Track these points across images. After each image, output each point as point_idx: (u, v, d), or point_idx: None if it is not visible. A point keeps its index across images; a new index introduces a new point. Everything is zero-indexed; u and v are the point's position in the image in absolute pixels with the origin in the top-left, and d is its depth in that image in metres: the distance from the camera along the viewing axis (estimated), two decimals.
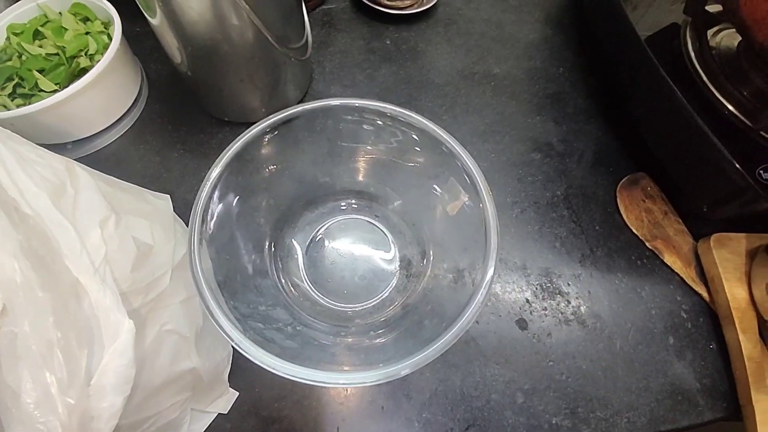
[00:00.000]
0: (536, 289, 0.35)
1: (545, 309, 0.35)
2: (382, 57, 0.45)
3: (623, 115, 0.43)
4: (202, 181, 0.26)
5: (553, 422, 0.31)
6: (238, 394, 0.29)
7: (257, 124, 0.28)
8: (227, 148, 0.28)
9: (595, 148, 0.41)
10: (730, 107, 0.34)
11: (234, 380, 0.30)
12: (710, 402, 0.32)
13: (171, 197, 0.31)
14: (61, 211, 0.20)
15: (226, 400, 0.29)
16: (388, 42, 0.46)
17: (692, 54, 0.36)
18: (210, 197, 0.27)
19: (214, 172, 0.27)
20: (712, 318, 0.35)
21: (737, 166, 0.32)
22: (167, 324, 0.24)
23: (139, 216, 0.25)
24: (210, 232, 0.27)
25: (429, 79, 0.45)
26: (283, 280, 0.33)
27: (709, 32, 0.37)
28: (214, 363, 0.27)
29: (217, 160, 0.28)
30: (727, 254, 0.35)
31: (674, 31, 0.38)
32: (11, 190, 0.19)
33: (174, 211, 0.30)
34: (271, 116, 0.29)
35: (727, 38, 0.37)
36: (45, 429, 0.13)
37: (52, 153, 0.25)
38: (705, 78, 0.35)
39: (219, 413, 0.29)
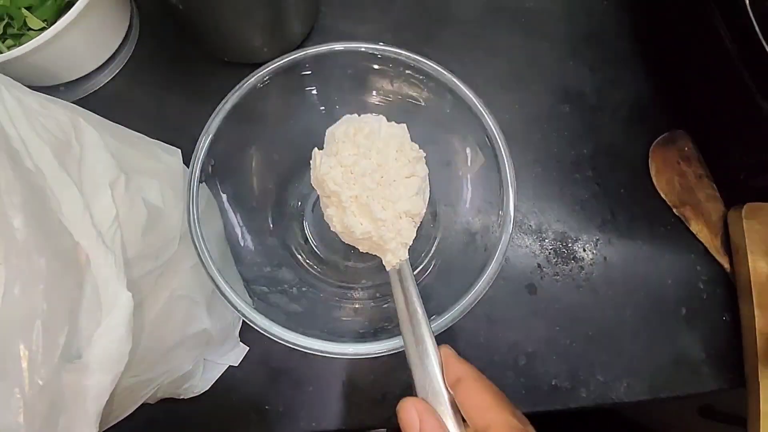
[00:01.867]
0: (550, 254, 0.34)
1: (557, 274, 0.34)
2: None
3: (667, 63, 0.38)
4: (201, 132, 0.25)
5: (553, 383, 0.31)
6: (248, 348, 0.30)
7: (253, 74, 0.25)
8: (224, 99, 0.26)
9: (632, 101, 0.37)
10: None
11: (244, 335, 0.31)
12: (714, 373, 0.32)
13: (173, 146, 0.29)
14: (66, 169, 0.18)
15: (237, 353, 0.30)
16: None
17: (747, 1, 0.31)
18: (208, 152, 0.25)
19: (212, 125, 0.25)
20: (729, 290, 0.34)
21: None
22: (178, 290, 0.24)
23: (149, 176, 0.24)
24: (211, 190, 0.26)
25: (450, 13, 0.39)
26: (288, 239, 0.32)
27: None
28: (225, 323, 0.28)
29: (214, 113, 0.26)
30: (757, 225, 0.33)
31: None
32: (15, 141, 0.17)
33: None
34: (269, 64, 0.26)
35: None
36: (5, 405, 0.13)
37: (56, 101, 0.23)
38: (758, 29, 0.30)
39: (231, 365, 0.30)
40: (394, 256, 0.23)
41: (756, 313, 0.31)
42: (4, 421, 0.14)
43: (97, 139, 0.19)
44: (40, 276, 0.16)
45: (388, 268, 0.24)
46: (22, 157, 0.16)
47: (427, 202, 0.26)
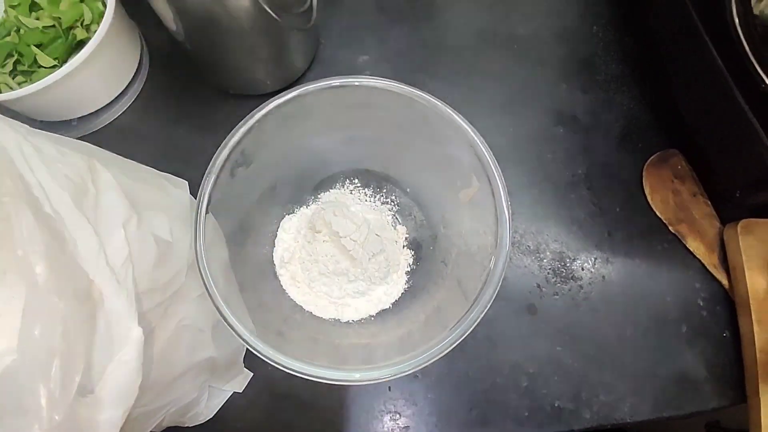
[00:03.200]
0: (549, 273, 0.35)
1: (556, 294, 0.34)
2: (394, 17, 0.42)
3: (659, 84, 0.39)
4: (207, 166, 0.26)
5: (556, 405, 0.32)
6: (252, 374, 0.31)
7: (254, 112, 0.26)
8: (228, 137, 0.27)
9: (625, 122, 0.38)
10: None
11: (248, 361, 0.31)
12: (717, 390, 0.32)
13: (180, 177, 0.30)
14: (83, 212, 0.19)
15: (241, 379, 0.31)
16: None
17: (736, 20, 0.32)
18: (214, 186, 0.26)
19: (218, 160, 0.26)
20: (729, 306, 0.34)
21: None
22: (185, 319, 0.25)
23: (159, 210, 0.25)
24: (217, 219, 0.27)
25: (445, 42, 0.41)
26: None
27: None
28: (230, 350, 0.28)
29: (219, 150, 0.27)
30: (753, 241, 0.33)
31: None
32: (35, 189, 0.18)
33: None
34: (271, 100, 0.27)
35: None
36: None
37: (72, 142, 0.24)
38: (748, 49, 0.31)
39: (235, 391, 0.31)
40: None
41: (755, 329, 0.32)
42: None
43: (112, 181, 0.20)
44: (59, 317, 0.17)
45: None
46: (42, 204, 0.17)
47: None
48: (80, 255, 0.18)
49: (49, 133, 0.24)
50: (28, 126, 0.21)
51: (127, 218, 0.20)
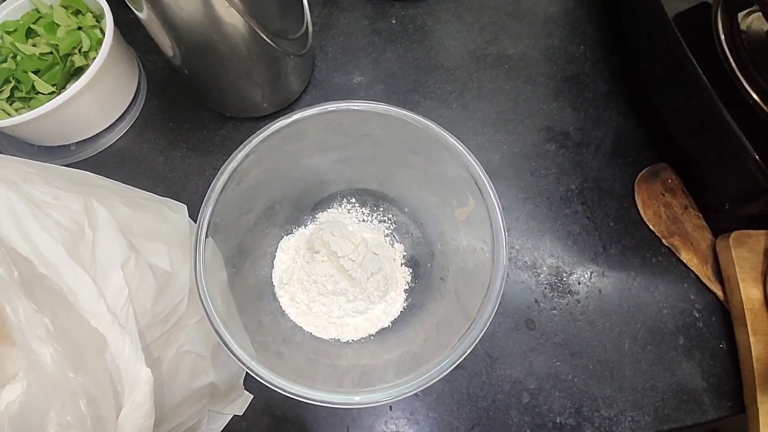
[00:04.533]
0: (545, 288, 0.35)
1: (554, 309, 0.34)
2: (387, 39, 0.43)
3: (646, 100, 0.40)
4: (205, 188, 0.26)
5: (558, 421, 0.32)
6: (252, 396, 0.31)
7: (252, 137, 0.27)
8: (227, 162, 0.27)
9: (615, 137, 0.39)
10: (756, 98, 0.31)
11: (248, 383, 0.31)
12: (715, 401, 0.32)
13: (178, 200, 0.30)
14: (79, 260, 0.19)
15: (241, 402, 0.30)
16: (393, 21, 0.43)
17: (722, 37, 0.33)
18: (213, 210, 0.26)
19: (217, 184, 0.27)
20: (724, 317, 0.34)
21: (761, 162, 0.30)
22: (184, 345, 0.25)
23: (158, 240, 0.25)
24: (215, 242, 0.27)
25: (437, 62, 0.42)
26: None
27: (740, 14, 0.33)
28: (230, 374, 0.28)
29: (218, 175, 0.27)
30: (746, 253, 0.34)
31: (705, 10, 0.35)
32: (28, 253, 0.18)
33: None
34: (267, 127, 0.27)
35: (757, 21, 0.33)
36: None
37: (72, 177, 0.24)
38: (734, 64, 0.32)
39: (235, 414, 0.30)
40: None
41: (751, 339, 0.32)
42: None
43: (109, 219, 0.20)
44: (80, 391, 0.17)
45: None
46: (36, 265, 0.17)
47: None
48: (80, 305, 0.18)
49: (47, 166, 0.24)
50: (24, 167, 0.21)
51: (125, 258, 0.20)
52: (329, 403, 0.22)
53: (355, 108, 0.28)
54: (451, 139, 0.28)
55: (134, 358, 0.18)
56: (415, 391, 0.23)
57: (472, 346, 0.24)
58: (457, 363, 0.24)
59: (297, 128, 0.28)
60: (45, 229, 0.17)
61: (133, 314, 0.19)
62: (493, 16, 0.44)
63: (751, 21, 0.33)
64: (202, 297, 0.22)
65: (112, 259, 0.20)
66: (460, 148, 0.27)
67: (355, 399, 0.22)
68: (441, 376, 0.23)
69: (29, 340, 0.15)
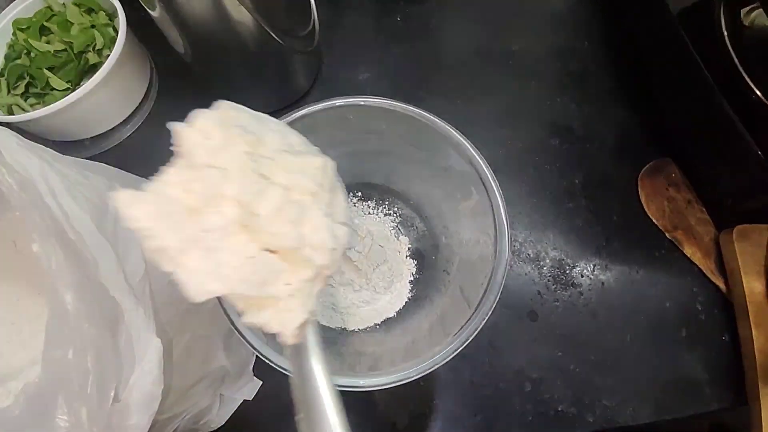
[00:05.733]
0: (548, 281, 0.35)
1: (557, 300, 0.35)
2: (392, 36, 0.43)
3: (650, 96, 0.40)
4: None
5: (559, 409, 0.32)
6: (261, 382, 0.32)
7: None
8: None
9: (618, 133, 0.40)
10: (759, 93, 0.32)
11: (258, 369, 0.32)
12: (717, 392, 0.32)
13: None
14: (103, 232, 0.21)
15: (251, 387, 0.31)
16: (398, 19, 0.44)
17: (725, 33, 0.33)
18: None
19: None
20: (727, 309, 0.35)
21: (763, 158, 0.30)
22: (198, 330, 0.26)
23: None
24: None
25: (442, 59, 0.42)
26: None
27: (743, 10, 0.34)
28: (241, 359, 0.29)
29: None
30: (749, 247, 0.34)
31: (708, 6, 0.35)
32: (60, 217, 0.20)
33: None
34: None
35: (760, 17, 0.34)
36: None
37: (95, 168, 0.25)
38: (737, 60, 0.32)
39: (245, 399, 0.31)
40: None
41: (754, 332, 0.32)
42: None
43: None
44: (89, 340, 0.18)
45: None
46: (66, 230, 0.18)
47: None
48: (101, 274, 0.19)
49: (73, 157, 0.25)
50: (53, 150, 0.22)
51: None
52: (336, 386, 0.23)
53: (362, 103, 0.28)
54: (456, 134, 0.28)
55: (146, 328, 0.19)
56: (418, 376, 0.23)
57: (474, 335, 0.25)
58: (459, 350, 0.24)
59: (304, 123, 0.29)
60: (75, 200, 0.19)
61: (149, 290, 0.20)
62: (498, 12, 0.44)
63: (754, 17, 0.33)
64: None
65: (133, 237, 0.21)
66: (465, 142, 0.28)
67: (360, 383, 0.23)
68: (444, 362, 0.24)
69: (56, 283, 0.16)
